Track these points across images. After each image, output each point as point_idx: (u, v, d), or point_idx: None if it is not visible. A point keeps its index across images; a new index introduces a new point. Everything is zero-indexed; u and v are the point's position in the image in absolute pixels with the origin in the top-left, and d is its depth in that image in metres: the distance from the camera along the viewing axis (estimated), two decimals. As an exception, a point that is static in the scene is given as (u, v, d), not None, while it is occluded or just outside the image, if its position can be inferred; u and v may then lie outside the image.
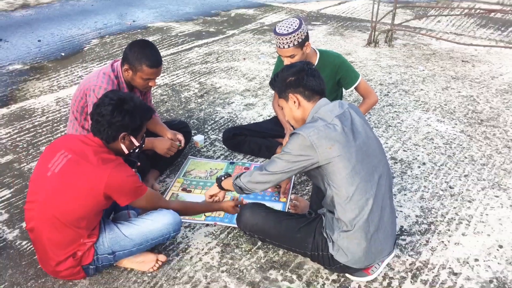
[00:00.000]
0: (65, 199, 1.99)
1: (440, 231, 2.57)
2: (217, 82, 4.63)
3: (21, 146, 3.41)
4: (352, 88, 3.05)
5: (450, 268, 2.31)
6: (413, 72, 4.91)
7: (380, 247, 2.09)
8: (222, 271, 2.27)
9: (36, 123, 3.75)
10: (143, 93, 2.85)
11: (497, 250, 2.44)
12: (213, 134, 3.60)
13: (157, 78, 2.66)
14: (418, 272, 2.28)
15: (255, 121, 3.78)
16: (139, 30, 6.51)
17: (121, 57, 2.64)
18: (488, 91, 4.44)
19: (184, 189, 2.90)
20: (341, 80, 3.03)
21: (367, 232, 2.02)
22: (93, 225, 2.09)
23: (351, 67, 3.05)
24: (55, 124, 3.73)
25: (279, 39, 2.76)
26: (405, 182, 3.00)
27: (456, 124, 3.79)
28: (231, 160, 3.23)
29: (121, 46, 5.73)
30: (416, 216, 2.69)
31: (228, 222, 2.57)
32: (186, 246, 2.43)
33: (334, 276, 2.24)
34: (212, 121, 3.82)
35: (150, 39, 6.02)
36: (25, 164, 3.17)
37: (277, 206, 2.71)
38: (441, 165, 3.21)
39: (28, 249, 2.39)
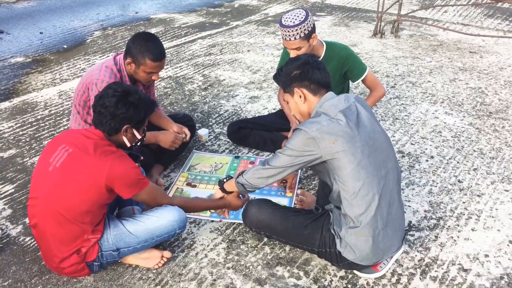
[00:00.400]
0: (67, 194, 1.95)
1: (449, 226, 2.52)
2: (221, 75, 4.57)
3: (23, 140, 3.38)
4: (359, 80, 2.99)
5: (459, 264, 2.27)
6: (420, 64, 4.84)
7: (389, 243, 2.05)
8: (228, 268, 2.23)
9: (38, 117, 3.71)
10: (146, 87, 2.81)
11: (508, 245, 2.39)
12: (218, 128, 3.55)
13: (161, 71, 2.61)
14: (427, 269, 2.24)
15: (260, 114, 3.73)
16: (142, 22, 6.45)
17: (123, 50, 2.59)
18: (496, 83, 4.37)
19: (189, 184, 2.86)
20: (348, 72, 2.98)
21: (375, 228, 1.98)
22: (97, 220, 2.06)
23: (358, 59, 3.00)
24: (58, 118, 3.69)
25: (285, 31, 2.70)
26: (413, 176, 2.96)
27: (465, 116, 3.73)
28: (236, 154, 3.19)
29: (124, 38, 5.67)
30: (425, 211, 2.64)
31: (234, 218, 2.53)
32: (192, 242, 2.40)
33: (342, 273, 2.21)
34: (217, 114, 3.77)
35: (153, 30, 5.97)
36: (28, 158, 3.14)
37: (283, 201, 2.67)
38: (449, 158, 3.15)
39: (31, 245, 2.36)
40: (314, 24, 2.77)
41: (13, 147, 3.29)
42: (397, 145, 3.31)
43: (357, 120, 1.98)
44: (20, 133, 3.48)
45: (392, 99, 4.02)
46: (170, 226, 2.17)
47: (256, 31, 6.02)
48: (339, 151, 1.90)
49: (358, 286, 2.14)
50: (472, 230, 2.50)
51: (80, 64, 4.84)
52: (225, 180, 2.30)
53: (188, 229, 2.48)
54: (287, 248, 2.35)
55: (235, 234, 2.45)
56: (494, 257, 2.31)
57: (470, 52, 5.22)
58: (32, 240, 2.38)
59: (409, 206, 2.67)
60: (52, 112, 3.80)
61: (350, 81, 3.09)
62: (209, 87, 4.29)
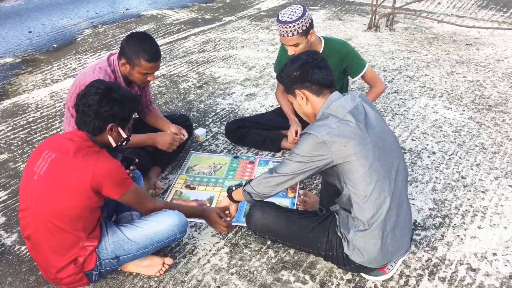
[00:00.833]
0: (54, 201, 1.87)
1: (455, 224, 2.48)
2: (216, 72, 4.49)
3: (15, 144, 3.28)
4: (359, 76, 2.94)
5: (468, 263, 2.22)
6: (416, 57, 4.79)
7: (397, 245, 2.00)
8: (232, 273, 2.17)
9: (30, 119, 3.62)
10: (141, 87, 2.73)
11: (515, 243, 2.36)
12: (215, 127, 3.48)
13: (159, 70, 2.53)
14: (435, 269, 2.19)
15: (257, 112, 3.67)
16: (132, 19, 6.33)
17: (117, 49, 2.51)
18: (494, 75, 4.34)
19: (187, 186, 2.79)
20: (348, 68, 2.92)
21: (384, 231, 1.93)
22: (91, 227, 1.98)
23: (357, 55, 2.93)
24: (50, 120, 3.60)
25: (282, 27, 2.64)
26: (415, 173, 2.91)
27: (464, 110, 3.69)
28: (235, 154, 3.12)
29: (115, 36, 5.56)
30: (429, 209, 2.60)
31: (236, 221, 2.46)
32: (193, 247, 2.33)
33: (349, 276, 2.15)
34: (213, 113, 3.69)
35: (145, 27, 5.86)
36: (20, 163, 3.05)
37: (285, 202, 2.61)
38: (451, 154, 3.11)
39: (28, 254, 2.28)
40: (312, 20, 2.70)
41: (4, 151, 3.19)
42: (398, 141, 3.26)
43: (366, 120, 1.91)
44: (12, 136, 3.38)
45: (391, 93, 3.97)
46: (171, 231, 2.10)
47: (250, 26, 5.93)
48: (351, 154, 1.83)
49: (366, 289, 2.09)
50: (479, 227, 2.45)
51: (71, 64, 4.73)
52: (234, 188, 2.21)
53: (189, 234, 2.41)
54: (292, 251, 2.29)
55: (237, 238, 2.39)
56: (502, 255, 2.27)
57: (466, 44, 5.18)
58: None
59: (414, 204, 2.62)
60: (44, 114, 3.70)
61: (349, 77, 3.02)
62: (204, 85, 4.20)
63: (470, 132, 3.37)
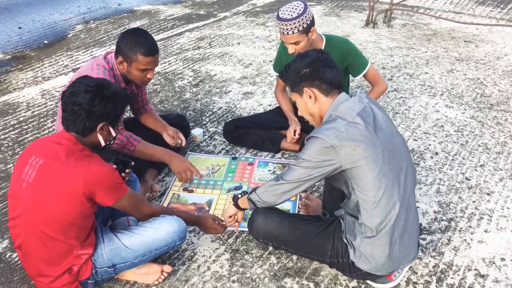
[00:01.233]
0: (45, 209, 1.77)
1: (461, 228, 2.42)
2: (212, 69, 4.39)
3: (6, 144, 3.17)
4: (361, 75, 2.86)
5: (476, 269, 2.16)
6: (415, 54, 4.72)
7: (405, 251, 1.93)
8: (233, 281, 2.09)
9: (21, 119, 3.50)
10: (138, 86, 2.63)
11: (523, 247, 2.30)
12: (212, 127, 3.39)
13: (155, 69, 2.43)
14: (443, 276, 2.13)
15: (255, 111, 3.58)
16: (125, 14, 6.20)
17: (110, 47, 2.41)
18: (494, 73, 4.28)
19: (185, 189, 2.70)
20: (349, 67, 2.84)
21: (392, 237, 1.86)
22: (85, 234, 1.89)
23: (359, 53, 2.86)
24: (42, 119, 3.48)
25: (282, 24, 2.55)
26: (419, 174, 2.84)
27: (466, 109, 3.62)
28: (233, 155, 3.03)
29: (107, 32, 5.43)
30: (435, 212, 2.53)
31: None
32: (192, 254, 2.24)
33: (354, 283, 2.08)
34: (210, 112, 3.60)
35: (138, 23, 5.75)
36: (11, 165, 2.94)
37: (287, 205, 2.53)
38: (454, 154, 3.05)
39: (20, 262, 2.18)
40: (313, 17, 2.63)
41: (-6, 152, 3.08)
42: (399, 141, 3.19)
43: (375, 122, 1.84)
44: (2, 137, 3.26)
45: (391, 92, 3.90)
46: (170, 238, 2.01)
47: (245, 22, 5.83)
48: (360, 159, 1.75)
49: (372, 298, 2.02)
50: (485, 231, 2.39)
51: (62, 61, 4.60)
52: (239, 196, 2.12)
53: (188, 239, 2.33)
54: (294, 257, 2.21)
55: (238, 243, 2.31)
56: (511, 260, 2.21)
57: (465, 41, 5.12)
58: (20, 257, 2.20)
59: (418, 207, 2.55)
60: (35, 113, 3.58)
61: (351, 76, 2.95)
62: (200, 83, 4.11)
63: (473, 132, 3.31)
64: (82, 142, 1.85)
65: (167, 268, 2.11)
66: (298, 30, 2.55)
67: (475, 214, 2.51)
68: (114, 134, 1.91)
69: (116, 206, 1.90)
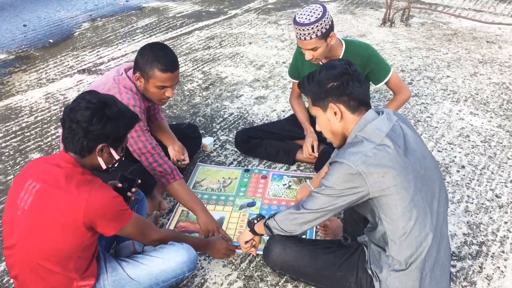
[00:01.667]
0: (42, 240, 1.61)
1: (493, 253, 2.23)
2: (223, 71, 4.21)
3: (7, 153, 3.02)
4: (383, 83, 2.67)
5: (512, 302, 1.98)
6: (436, 56, 4.50)
7: (437, 285, 1.74)
8: (247, 314, 1.93)
9: (23, 125, 3.35)
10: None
11: None
12: (223, 135, 3.21)
13: (175, 87, 2.26)
14: (476, 310, 1.95)
15: (268, 117, 3.40)
16: (133, 11, 6.02)
17: (131, 64, 2.24)
18: (520, 77, 4.06)
19: (195, 206, 2.53)
20: (370, 74, 2.65)
21: (423, 271, 1.68)
22: (85, 265, 1.72)
23: (381, 59, 2.66)
24: (45, 126, 3.33)
25: (299, 29, 2.37)
26: (445, 191, 2.64)
27: (492, 117, 3.41)
28: (246, 167, 2.86)
29: (115, 30, 5.26)
30: (464, 234, 2.34)
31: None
32: (203, 281, 2.08)
33: (379, 318, 1.90)
34: (221, 119, 3.42)
35: (146, 21, 5.57)
36: (12, 176, 2.79)
37: (304, 225, 2.35)
38: (482, 168, 2.84)
39: None
40: (332, 21, 2.44)
41: (-6, 162, 2.93)
42: (423, 153, 2.99)
43: (405, 144, 1.65)
44: (3, 145, 3.11)
45: (412, 97, 3.69)
46: (179, 269, 1.85)
47: (257, 20, 5.63)
48: (390, 186, 1.57)
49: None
50: (521, 258, 2.20)
51: (68, 61, 4.44)
52: (255, 221, 1.96)
53: (198, 264, 2.16)
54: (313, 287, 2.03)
55: (251, 269, 2.14)
56: (550, 292, 2.03)
57: (487, 42, 4.88)
58: (18, 282, 2.05)
59: (446, 229, 2.36)
60: (39, 118, 3.43)
61: (372, 83, 2.75)
62: (210, 86, 3.93)
63: (501, 143, 3.10)
64: (81, 164, 1.68)
65: (175, 298, 1.95)
66: (316, 35, 2.37)
67: (508, 237, 2.32)
68: (117, 157, 1.74)
69: (121, 234, 1.74)
